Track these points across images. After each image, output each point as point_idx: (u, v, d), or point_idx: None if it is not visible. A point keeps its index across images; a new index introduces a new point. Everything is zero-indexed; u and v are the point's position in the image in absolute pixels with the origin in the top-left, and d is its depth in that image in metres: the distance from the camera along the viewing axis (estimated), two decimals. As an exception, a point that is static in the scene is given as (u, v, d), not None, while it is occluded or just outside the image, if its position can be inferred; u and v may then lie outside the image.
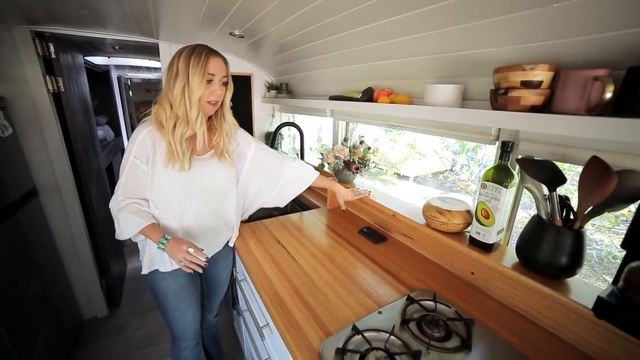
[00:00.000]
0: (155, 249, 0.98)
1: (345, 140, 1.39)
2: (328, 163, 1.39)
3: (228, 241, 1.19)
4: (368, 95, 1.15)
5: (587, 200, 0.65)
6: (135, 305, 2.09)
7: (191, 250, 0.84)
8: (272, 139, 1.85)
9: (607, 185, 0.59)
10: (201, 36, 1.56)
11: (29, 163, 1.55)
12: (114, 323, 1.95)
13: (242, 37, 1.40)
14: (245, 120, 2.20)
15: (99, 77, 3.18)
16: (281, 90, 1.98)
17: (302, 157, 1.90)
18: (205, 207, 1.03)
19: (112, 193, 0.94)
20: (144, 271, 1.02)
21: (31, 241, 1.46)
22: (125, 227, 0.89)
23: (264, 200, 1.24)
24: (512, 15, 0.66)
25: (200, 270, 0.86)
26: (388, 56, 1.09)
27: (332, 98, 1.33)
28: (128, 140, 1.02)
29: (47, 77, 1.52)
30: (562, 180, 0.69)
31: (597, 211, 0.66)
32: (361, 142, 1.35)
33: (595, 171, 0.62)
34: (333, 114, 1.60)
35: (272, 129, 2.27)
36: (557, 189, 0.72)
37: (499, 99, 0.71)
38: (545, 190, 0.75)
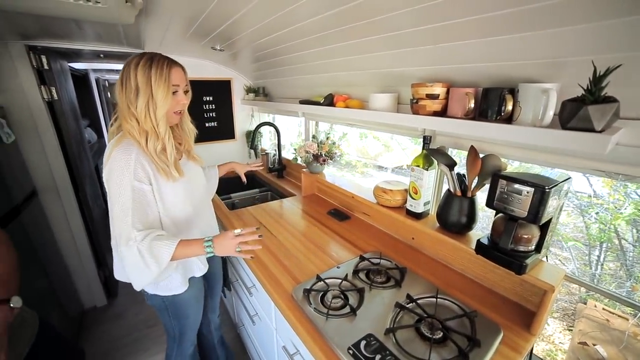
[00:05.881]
0: (175, 270, 0.98)
1: (314, 137, 1.65)
2: (300, 157, 1.64)
3: None
4: (329, 100, 1.41)
5: (470, 176, 0.95)
6: (132, 294, 2.27)
7: (237, 230, 0.84)
8: (252, 137, 2.08)
9: (476, 165, 0.89)
10: (185, 48, 1.75)
11: (28, 167, 1.70)
12: (114, 310, 2.14)
13: (222, 50, 1.61)
14: (226, 120, 2.40)
15: (79, 81, 3.24)
16: (258, 93, 2.20)
17: (279, 153, 2.15)
18: (203, 205, 1.08)
19: (105, 202, 0.91)
20: (178, 291, 0.99)
21: (35, 239, 1.61)
22: (160, 254, 0.82)
23: None
24: (423, 48, 0.94)
25: (260, 246, 0.86)
26: (344, 69, 1.35)
27: (302, 102, 1.57)
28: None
29: (41, 87, 1.67)
30: (454, 163, 0.99)
31: (479, 183, 0.96)
32: (327, 138, 1.61)
33: (472, 155, 0.91)
34: (304, 115, 1.85)
35: (252, 127, 2.49)
36: (455, 169, 1.01)
37: (414, 106, 0.99)
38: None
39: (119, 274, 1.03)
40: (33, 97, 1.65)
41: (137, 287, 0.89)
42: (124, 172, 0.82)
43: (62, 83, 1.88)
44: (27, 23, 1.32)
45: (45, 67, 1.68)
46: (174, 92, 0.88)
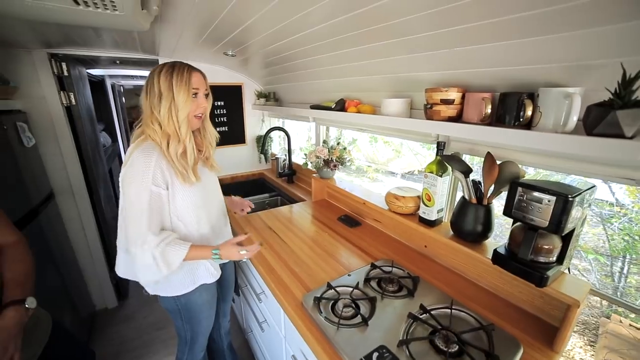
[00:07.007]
0: (189, 272, 1.02)
1: (325, 142, 1.64)
2: (311, 162, 1.63)
3: None
4: (340, 105, 1.40)
5: (487, 183, 0.92)
6: (142, 297, 2.30)
7: (243, 251, 0.94)
8: (262, 142, 2.09)
9: (493, 172, 0.86)
10: (197, 54, 1.78)
11: (46, 169, 1.75)
12: (124, 312, 2.16)
13: (234, 56, 1.63)
14: (237, 125, 2.43)
15: (96, 86, 3.34)
16: (269, 98, 2.22)
17: (290, 158, 2.15)
18: (217, 211, 1.11)
19: (117, 204, 0.93)
20: (180, 292, 1.01)
21: (50, 241, 1.64)
22: (173, 259, 0.87)
23: None
24: (437, 52, 0.92)
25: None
26: (356, 74, 1.35)
27: (313, 107, 1.57)
28: (125, 151, 1.00)
29: (61, 92, 1.72)
30: (470, 170, 0.96)
31: (496, 190, 0.93)
32: (338, 144, 1.60)
33: (489, 162, 0.88)
34: (314, 120, 1.85)
35: (263, 132, 2.50)
36: (471, 176, 0.98)
37: (428, 111, 0.97)
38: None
39: (122, 271, 1.04)
40: (53, 102, 1.70)
41: (144, 284, 0.97)
42: (143, 175, 0.85)
43: (80, 89, 1.94)
44: (50, 32, 1.36)
45: (65, 73, 1.74)
46: (195, 95, 0.93)
